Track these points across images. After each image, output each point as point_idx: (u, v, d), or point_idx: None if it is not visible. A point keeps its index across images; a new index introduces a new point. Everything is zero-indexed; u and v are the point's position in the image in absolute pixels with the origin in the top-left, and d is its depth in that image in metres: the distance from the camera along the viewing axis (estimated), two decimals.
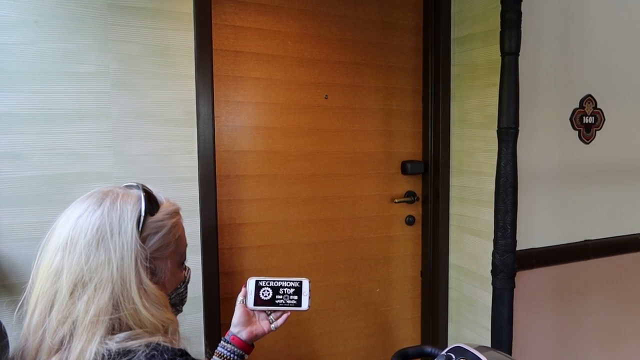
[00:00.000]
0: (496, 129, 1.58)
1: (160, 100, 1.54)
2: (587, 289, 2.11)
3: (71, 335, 0.74)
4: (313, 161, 1.92)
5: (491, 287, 1.64)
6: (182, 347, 0.80)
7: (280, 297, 1.12)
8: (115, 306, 0.75)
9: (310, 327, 1.97)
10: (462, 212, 2.02)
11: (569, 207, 2.01)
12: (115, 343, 0.73)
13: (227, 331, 1.11)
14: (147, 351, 0.73)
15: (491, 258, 1.63)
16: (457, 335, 2.10)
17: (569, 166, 1.99)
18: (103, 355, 0.72)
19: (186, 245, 0.95)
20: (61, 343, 0.74)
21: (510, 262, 1.58)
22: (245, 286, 1.12)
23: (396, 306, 2.15)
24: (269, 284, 1.12)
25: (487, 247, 1.86)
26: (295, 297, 1.12)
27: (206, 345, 1.63)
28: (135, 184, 0.89)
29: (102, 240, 0.77)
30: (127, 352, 0.73)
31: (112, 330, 0.75)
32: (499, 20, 1.56)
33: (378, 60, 2.01)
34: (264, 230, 1.86)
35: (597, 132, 2.05)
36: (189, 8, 1.57)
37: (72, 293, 0.75)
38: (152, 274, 0.84)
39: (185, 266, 0.98)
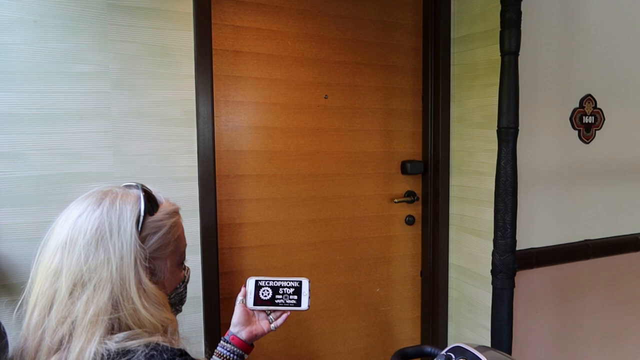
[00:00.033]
0: (496, 128, 1.58)
1: (159, 100, 1.54)
2: (587, 288, 2.11)
3: (70, 335, 0.73)
4: (313, 161, 1.92)
5: (491, 286, 1.64)
6: (181, 347, 0.80)
7: (280, 296, 1.12)
8: (115, 306, 0.75)
9: (310, 327, 1.97)
10: (462, 211, 2.02)
11: (569, 207, 2.01)
12: (114, 343, 0.73)
13: (226, 331, 1.11)
14: (147, 351, 0.73)
15: (491, 258, 1.63)
16: (457, 335, 2.10)
17: (568, 166, 1.99)
18: (102, 355, 0.71)
19: (185, 245, 0.95)
20: (60, 343, 0.74)
21: (510, 261, 1.58)
22: (245, 286, 1.12)
23: (396, 306, 2.15)
24: (268, 283, 1.12)
25: (487, 246, 1.85)
26: (295, 297, 1.12)
27: (206, 345, 1.63)
28: (134, 183, 0.89)
29: (101, 240, 0.77)
30: (126, 352, 0.73)
31: (112, 330, 0.75)
32: (499, 19, 1.56)
33: (378, 60, 2.01)
34: (263, 230, 1.86)
35: (597, 131, 2.05)
36: (188, 8, 1.57)
37: (71, 293, 0.74)
38: (152, 273, 0.83)
39: (185, 266, 0.98)
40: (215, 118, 1.69)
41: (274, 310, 1.13)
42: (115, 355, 0.72)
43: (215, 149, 1.69)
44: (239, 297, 1.12)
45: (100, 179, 1.47)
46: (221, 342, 1.09)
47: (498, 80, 1.57)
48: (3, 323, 1.03)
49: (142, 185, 0.87)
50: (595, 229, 2.09)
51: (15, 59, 1.36)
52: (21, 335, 0.78)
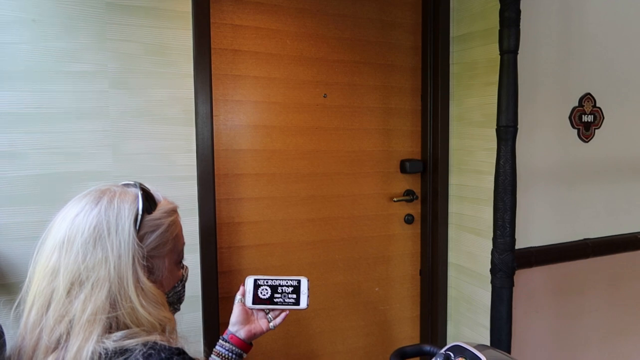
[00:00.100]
0: (495, 127, 1.58)
1: (158, 99, 1.54)
2: (586, 287, 2.11)
3: (68, 334, 0.73)
4: (312, 160, 1.91)
5: (490, 285, 1.64)
6: (179, 346, 0.80)
7: (279, 295, 1.12)
8: (113, 305, 0.75)
9: (308, 326, 1.97)
10: (461, 210, 2.02)
11: (568, 206, 2.01)
12: (112, 342, 0.73)
13: (225, 330, 1.11)
14: (144, 350, 0.73)
15: (490, 257, 1.63)
16: (456, 334, 2.10)
17: (568, 165, 1.99)
18: (100, 354, 0.71)
19: (184, 243, 0.95)
20: (58, 342, 0.74)
21: (509, 260, 1.58)
22: (244, 285, 1.12)
23: (395, 305, 2.14)
24: (267, 282, 1.12)
25: (486, 245, 1.85)
26: (294, 296, 1.12)
27: (204, 344, 1.63)
28: (132, 182, 0.88)
29: (99, 238, 0.77)
30: (124, 350, 0.73)
31: (109, 329, 0.75)
32: (498, 18, 1.56)
33: (377, 59, 2.01)
34: (262, 229, 1.85)
35: (596, 130, 2.05)
36: (187, 7, 1.57)
37: (69, 292, 0.74)
38: (150, 272, 0.83)
39: (183, 265, 0.98)
40: (214, 117, 1.68)
41: (273, 309, 1.13)
42: (113, 354, 0.72)
43: (214, 147, 1.68)
44: (238, 296, 1.12)
45: (99, 178, 1.46)
46: (220, 341, 1.09)
47: (497, 79, 1.57)
48: (1, 322, 1.03)
49: (140, 184, 0.87)
50: (594, 228, 2.09)
51: (14, 58, 1.36)
52: (19, 334, 0.78)
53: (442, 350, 1.15)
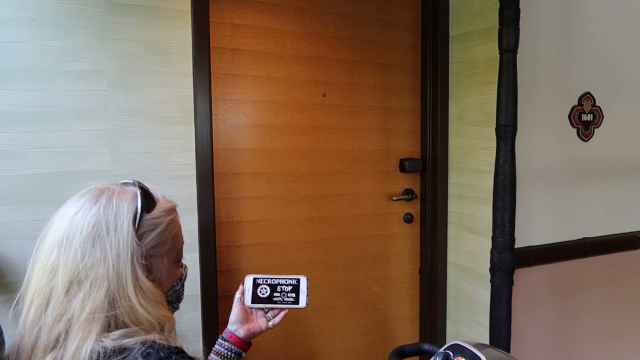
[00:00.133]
0: (494, 126, 1.58)
1: (157, 98, 1.54)
2: (585, 286, 2.11)
3: (67, 332, 0.73)
4: (311, 159, 1.91)
5: (489, 284, 1.64)
6: (178, 345, 0.80)
7: (278, 294, 1.12)
8: (111, 304, 0.75)
9: (308, 325, 1.97)
10: (460, 209, 2.02)
11: (567, 205, 2.01)
12: (111, 340, 0.73)
13: (224, 329, 1.11)
14: (143, 349, 0.73)
15: (489, 256, 1.63)
16: (455, 332, 2.10)
17: (567, 164, 1.99)
18: (99, 352, 0.71)
19: (183, 242, 0.95)
20: (57, 341, 0.74)
21: (509, 259, 1.58)
22: (243, 284, 1.12)
23: (394, 304, 2.15)
24: (266, 281, 1.12)
25: (485, 244, 1.86)
26: (293, 295, 1.12)
27: (203, 343, 1.63)
28: (131, 181, 0.88)
29: (97, 237, 0.76)
30: (122, 349, 0.73)
31: (108, 327, 0.75)
32: (497, 17, 1.56)
33: (376, 58, 2.01)
34: (261, 228, 1.85)
35: (595, 129, 2.05)
36: (186, 6, 1.57)
37: (67, 290, 0.74)
38: (149, 271, 0.83)
39: (182, 263, 0.98)
40: (213, 116, 1.68)
41: (272, 308, 1.13)
42: (112, 353, 0.72)
43: (213, 147, 1.68)
44: (237, 295, 1.12)
45: (98, 177, 1.46)
46: (219, 340, 1.09)
47: (497, 78, 1.57)
48: (0, 321, 1.03)
49: (139, 183, 0.87)
50: (593, 227, 2.09)
51: (13, 57, 1.36)
52: (17, 333, 0.78)
53: (442, 349, 1.15)
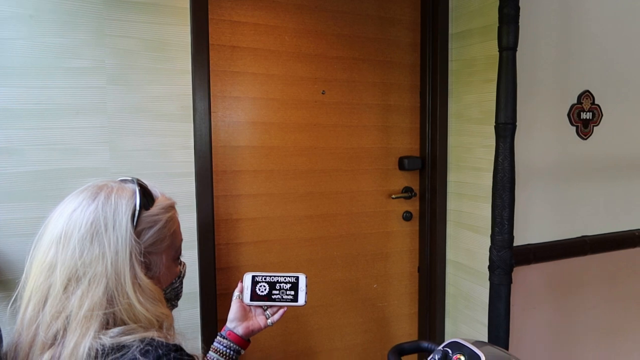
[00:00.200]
0: (494, 124, 1.58)
1: (156, 95, 1.54)
2: (584, 284, 2.11)
3: (65, 330, 0.73)
4: (310, 157, 1.91)
5: (488, 282, 1.64)
6: (177, 342, 0.79)
7: (277, 292, 1.12)
8: (110, 301, 0.75)
9: (307, 323, 1.97)
10: (459, 207, 2.02)
11: (566, 203, 2.01)
12: (109, 338, 0.72)
13: (223, 326, 1.11)
14: (142, 346, 0.73)
15: (488, 254, 1.63)
16: (454, 330, 2.10)
17: (566, 162, 1.99)
18: (97, 350, 0.71)
19: (181, 239, 0.95)
20: (55, 338, 0.73)
21: (508, 257, 1.58)
22: (242, 281, 1.12)
23: (393, 302, 2.15)
24: (265, 279, 1.12)
25: (484, 242, 1.86)
26: (292, 293, 1.12)
27: (202, 340, 1.63)
28: (130, 178, 0.88)
29: (96, 234, 0.76)
30: (121, 347, 0.73)
31: (107, 325, 0.75)
32: (497, 15, 1.56)
33: (375, 55, 2.01)
34: (260, 226, 1.85)
35: (594, 128, 2.05)
36: (185, 3, 1.56)
37: (65, 288, 0.74)
38: (147, 268, 0.83)
39: (181, 261, 0.97)
40: (212, 113, 1.68)
41: (271, 306, 1.13)
42: (110, 351, 0.72)
43: (212, 144, 1.68)
44: (236, 293, 1.12)
45: (97, 174, 1.46)
46: (217, 337, 1.09)
47: (496, 76, 1.57)
48: None
49: (138, 180, 0.87)
50: (592, 225, 2.10)
51: (12, 53, 1.35)
52: (15, 330, 0.78)
53: (440, 347, 1.15)
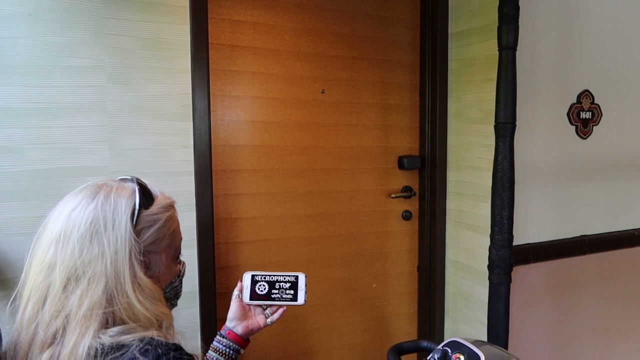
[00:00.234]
0: (493, 124, 1.58)
1: (155, 94, 1.53)
2: (583, 284, 2.11)
3: (64, 329, 0.73)
4: (310, 155, 1.91)
5: (488, 282, 1.64)
6: (176, 341, 0.79)
7: (276, 291, 1.11)
8: (109, 300, 0.75)
9: (306, 322, 1.97)
10: (459, 207, 2.02)
11: (565, 203, 2.01)
12: (108, 337, 0.72)
13: (222, 326, 1.11)
14: (141, 345, 0.73)
15: (488, 253, 1.63)
16: (453, 330, 2.10)
17: (566, 162, 1.99)
18: (96, 349, 0.71)
19: (181, 239, 0.95)
20: (54, 337, 0.73)
21: (507, 257, 1.58)
22: (241, 280, 1.12)
23: (393, 301, 2.15)
24: (265, 278, 1.12)
25: (483, 242, 1.86)
26: (292, 292, 1.12)
27: (201, 339, 1.63)
28: (129, 177, 0.88)
29: (95, 233, 0.76)
30: (120, 346, 0.72)
31: (106, 324, 0.74)
32: (497, 15, 1.55)
33: (375, 54, 2.00)
34: (260, 225, 1.85)
35: (594, 127, 2.05)
36: (184, 1, 1.56)
37: (65, 287, 0.74)
38: (147, 267, 0.83)
39: (180, 260, 0.97)
40: (211, 112, 1.68)
41: (270, 305, 1.13)
42: (110, 350, 0.72)
43: (212, 143, 1.68)
44: (235, 292, 1.12)
45: (96, 173, 1.46)
46: (217, 336, 1.09)
47: (496, 76, 1.57)
48: None
49: (137, 179, 0.87)
50: (591, 224, 2.10)
51: (11, 52, 1.35)
52: (14, 329, 0.78)
53: (440, 346, 1.15)
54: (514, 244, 1.62)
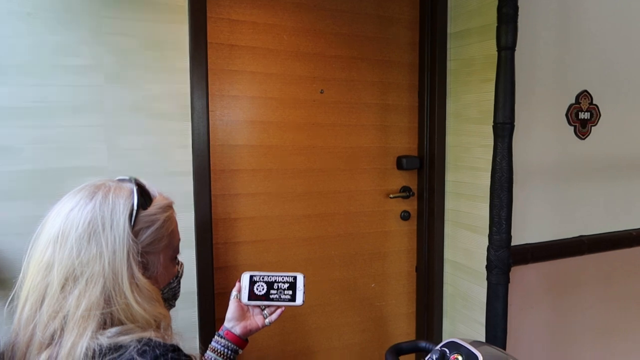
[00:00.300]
0: (492, 124, 1.58)
1: (154, 94, 1.53)
2: (581, 284, 2.11)
3: (62, 329, 0.73)
4: (308, 156, 1.91)
5: (486, 282, 1.64)
6: (174, 342, 0.79)
7: (275, 292, 1.11)
8: (107, 301, 0.75)
9: (304, 322, 1.97)
10: (457, 207, 2.02)
11: (564, 203, 2.02)
12: (106, 338, 0.72)
13: (221, 326, 1.11)
14: (139, 346, 0.73)
15: (486, 253, 1.63)
16: (451, 330, 2.10)
17: (564, 162, 1.99)
18: (94, 350, 0.71)
19: (179, 239, 0.94)
20: (52, 338, 0.73)
21: (505, 257, 1.58)
22: (240, 281, 1.12)
23: (391, 301, 2.15)
24: (263, 278, 1.12)
25: (482, 242, 1.86)
26: (290, 292, 1.12)
27: (200, 340, 1.63)
28: (128, 177, 0.88)
29: (93, 234, 0.76)
30: (118, 347, 0.72)
31: (104, 325, 0.74)
32: (495, 15, 1.55)
33: (374, 54, 2.00)
34: (258, 225, 1.85)
35: (592, 127, 2.06)
36: (183, 1, 1.56)
37: (63, 287, 0.74)
38: (145, 268, 0.83)
39: (179, 261, 0.97)
40: (210, 112, 1.67)
41: (269, 306, 1.13)
42: (107, 351, 0.71)
43: (210, 143, 1.68)
44: (234, 292, 1.12)
45: (95, 173, 1.46)
46: (215, 337, 1.09)
47: (494, 76, 1.57)
48: None
49: (136, 179, 0.87)
50: (590, 225, 2.10)
51: (9, 51, 1.35)
52: (12, 330, 0.78)
53: (438, 347, 1.15)
54: (513, 244, 1.62)
